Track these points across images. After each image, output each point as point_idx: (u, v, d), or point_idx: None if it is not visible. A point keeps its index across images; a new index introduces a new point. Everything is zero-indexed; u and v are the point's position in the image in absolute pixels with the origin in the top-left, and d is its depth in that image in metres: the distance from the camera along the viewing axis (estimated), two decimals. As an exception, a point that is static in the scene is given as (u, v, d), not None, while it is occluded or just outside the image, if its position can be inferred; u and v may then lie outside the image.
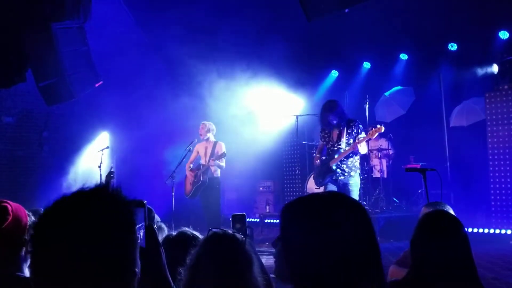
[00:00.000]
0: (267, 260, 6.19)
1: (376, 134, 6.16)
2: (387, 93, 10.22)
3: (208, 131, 7.92)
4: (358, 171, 6.43)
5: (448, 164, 9.02)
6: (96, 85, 7.59)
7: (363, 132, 6.24)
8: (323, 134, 6.51)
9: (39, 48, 6.62)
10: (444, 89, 9.32)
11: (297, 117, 9.55)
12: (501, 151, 7.92)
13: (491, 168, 8.04)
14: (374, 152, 9.80)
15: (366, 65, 10.55)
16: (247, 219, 2.18)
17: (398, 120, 10.03)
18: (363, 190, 8.23)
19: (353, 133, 6.23)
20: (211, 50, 9.62)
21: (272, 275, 1.89)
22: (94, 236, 0.99)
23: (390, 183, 9.84)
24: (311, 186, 9.02)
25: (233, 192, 11.13)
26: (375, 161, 9.88)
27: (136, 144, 10.61)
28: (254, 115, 10.28)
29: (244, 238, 1.82)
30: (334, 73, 11.03)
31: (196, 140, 8.13)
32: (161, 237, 2.29)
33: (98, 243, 0.99)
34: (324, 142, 6.51)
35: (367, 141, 6.42)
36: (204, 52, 9.57)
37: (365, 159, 9.12)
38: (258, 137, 10.04)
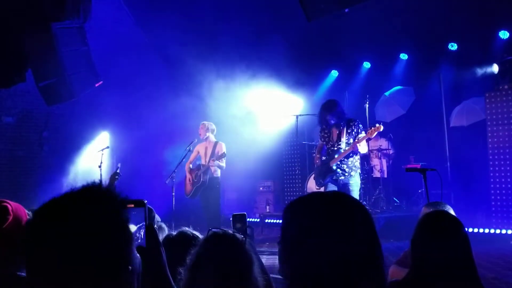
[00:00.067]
0: (267, 260, 6.20)
1: (375, 133, 6.16)
2: (387, 93, 10.22)
3: (208, 131, 7.92)
4: (359, 171, 6.43)
5: (448, 164, 9.02)
6: (96, 85, 7.58)
7: (363, 132, 6.24)
8: (323, 134, 6.51)
9: (39, 48, 6.62)
10: (444, 89, 9.32)
11: (297, 117, 9.55)
12: (501, 151, 7.92)
13: (491, 168, 8.04)
14: (374, 152, 9.80)
15: (366, 65, 10.55)
16: (247, 219, 2.18)
17: (398, 120, 10.03)
18: (363, 190, 8.22)
19: (353, 132, 6.22)
20: (211, 50, 9.62)
21: (273, 275, 1.89)
22: (84, 235, 0.99)
23: (390, 183, 9.84)
24: (311, 186, 9.02)
25: (233, 192, 11.13)
26: (375, 161, 9.89)
27: (136, 144, 10.60)
28: (254, 115, 10.28)
29: (244, 238, 1.82)
30: (334, 73, 11.03)
31: (196, 140, 8.13)
32: (161, 237, 2.29)
33: (89, 241, 0.99)
34: (324, 142, 6.51)
35: (367, 141, 6.42)
36: (204, 52, 9.57)
37: (365, 159, 9.12)
38: (258, 137, 10.04)
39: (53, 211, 1.03)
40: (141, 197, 1.34)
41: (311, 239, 1.16)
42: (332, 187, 6.30)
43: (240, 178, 10.43)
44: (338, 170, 6.27)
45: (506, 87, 8.02)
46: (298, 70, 9.80)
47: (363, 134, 6.17)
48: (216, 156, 7.68)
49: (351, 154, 6.22)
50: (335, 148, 6.28)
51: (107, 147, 9.85)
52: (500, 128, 7.94)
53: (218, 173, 7.87)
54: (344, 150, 6.18)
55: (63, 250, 0.97)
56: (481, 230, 7.70)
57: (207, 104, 9.63)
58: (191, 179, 7.95)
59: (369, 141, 8.87)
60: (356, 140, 6.08)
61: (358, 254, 1.14)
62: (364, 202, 8.92)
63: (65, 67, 6.81)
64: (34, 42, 6.59)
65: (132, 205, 1.31)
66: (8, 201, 2.01)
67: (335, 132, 6.34)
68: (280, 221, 1.28)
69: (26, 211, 2.06)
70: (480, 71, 8.94)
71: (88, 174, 10.40)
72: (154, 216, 2.98)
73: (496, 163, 7.98)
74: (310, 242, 1.16)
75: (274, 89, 9.96)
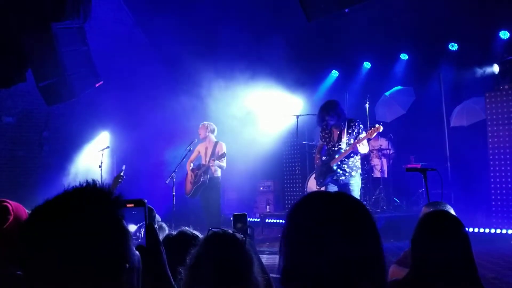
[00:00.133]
0: (267, 260, 6.20)
1: (375, 133, 6.16)
2: (387, 93, 10.21)
3: (208, 130, 7.93)
4: (359, 171, 6.42)
5: (448, 164, 9.01)
6: (96, 85, 7.58)
7: (363, 132, 6.24)
8: (323, 134, 6.50)
9: (39, 48, 6.61)
10: (445, 89, 9.31)
11: (297, 117, 9.55)
12: (502, 151, 7.92)
13: (491, 168, 8.04)
14: (375, 152, 9.81)
15: (366, 65, 10.55)
16: (248, 219, 2.18)
17: (398, 120, 10.02)
18: (364, 190, 8.22)
19: (354, 133, 6.22)
20: (211, 50, 9.62)
21: (273, 275, 1.89)
22: (80, 233, 0.99)
23: (391, 183, 9.84)
24: (312, 185, 9.02)
25: (233, 192, 11.14)
26: (375, 161, 9.89)
27: (136, 144, 10.61)
28: (254, 115, 10.28)
29: (244, 238, 1.82)
30: (334, 73, 11.02)
31: (196, 140, 8.13)
32: (162, 237, 2.28)
33: (85, 240, 0.99)
34: (325, 142, 6.50)
35: (367, 141, 6.42)
36: (204, 52, 9.58)
37: (365, 159, 9.12)
38: (258, 137, 10.04)
39: (47, 211, 1.03)
40: (141, 197, 1.34)
41: (311, 239, 1.16)
42: (332, 187, 6.30)
43: (240, 178, 10.43)
44: (339, 170, 6.27)
45: (506, 87, 8.02)
46: (298, 70, 9.79)
47: (363, 134, 6.17)
48: (216, 156, 7.69)
49: (351, 154, 6.22)
50: (336, 148, 6.28)
51: (107, 147, 9.86)
52: (501, 128, 7.94)
53: (219, 173, 7.87)
54: (344, 150, 6.18)
55: (59, 250, 0.97)
56: (481, 230, 7.69)
57: (207, 104, 9.63)
58: (191, 178, 7.95)
59: (370, 141, 8.87)
60: (356, 141, 6.08)
61: (358, 254, 1.14)
62: (365, 202, 8.91)
63: (65, 67, 6.81)
64: (34, 42, 6.59)
65: (132, 205, 1.31)
66: (8, 200, 2.01)
67: (335, 132, 6.34)
68: (280, 221, 1.27)
69: (26, 211, 2.06)
70: (480, 71, 8.93)
71: (88, 174, 10.41)
72: (154, 216, 2.98)
73: (497, 163, 7.98)
74: (310, 242, 1.16)
75: (274, 89, 9.96)
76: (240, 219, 2.14)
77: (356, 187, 6.31)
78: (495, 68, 8.66)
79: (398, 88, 10.19)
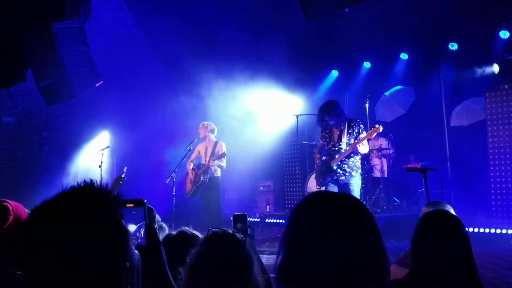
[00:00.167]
0: (267, 260, 6.20)
1: (375, 134, 6.16)
2: (387, 93, 10.21)
3: (208, 130, 7.93)
4: (360, 171, 6.42)
5: (448, 163, 9.01)
6: (96, 85, 7.58)
7: (364, 132, 6.23)
8: (323, 134, 6.50)
9: (39, 48, 6.61)
10: (444, 89, 9.31)
11: (297, 117, 9.55)
12: (502, 150, 7.92)
13: (491, 168, 8.04)
14: (375, 151, 9.81)
15: (366, 65, 10.55)
16: (248, 219, 2.18)
17: (398, 120, 10.03)
18: (364, 189, 8.22)
19: (354, 133, 6.22)
20: (211, 50, 9.62)
21: (273, 275, 1.88)
22: (78, 233, 0.99)
23: (391, 182, 9.84)
24: (312, 185, 9.02)
25: (233, 192, 11.14)
26: (375, 161, 9.89)
27: (136, 144, 10.61)
28: (254, 115, 10.28)
29: (244, 238, 1.82)
30: (334, 73, 11.02)
31: (196, 140, 8.14)
32: (162, 236, 2.28)
33: (83, 240, 0.99)
34: (325, 142, 6.50)
35: (367, 141, 6.42)
36: (204, 52, 9.57)
37: (365, 158, 9.12)
38: (258, 137, 10.04)
39: (47, 211, 1.03)
40: (141, 197, 1.34)
41: (312, 238, 1.16)
42: (332, 187, 6.30)
43: (240, 178, 10.43)
44: (339, 170, 6.26)
45: (506, 87, 8.02)
46: (298, 70, 9.79)
47: (364, 135, 6.17)
48: (216, 155, 7.69)
49: (351, 154, 6.22)
50: (336, 148, 6.28)
51: (107, 147, 9.86)
52: (500, 128, 7.94)
53: (218, 172, 7.87)
54: (344, 150, 6.18)
55: (59, 250, 0.97)
56: (481, 230, 7.69)
57: (207, 104, 9.63)
58: (191, 179, 7.95)
59: (369, 141, 8.87)
60: (356, 141, 6.08)
61: (358, 254, 1.14)
62: (365, 202, 8.92)
63: (65, 67, 6.81)
64: (34, 42, 6.59)
65: (132, 205, 1.31)
66: (8, 200, 2.01)
67: (336, 132, 6.34)
68: (280, 221, 1.27)
69: (26, 211, 2.05)
70: (480, 71, 8.93)
71: (88, 174, 10.41)
72: (154, 216, 2.98)
73: (497, 162, 7.98)
74: (310, 241, 1.16)
75: (274, 89, 9.96)
76: (240, 219, 2.14)
77: (356, 187, 6.30)
78: (495, 68, 8.66)
79: (398, 88, 10.19)
